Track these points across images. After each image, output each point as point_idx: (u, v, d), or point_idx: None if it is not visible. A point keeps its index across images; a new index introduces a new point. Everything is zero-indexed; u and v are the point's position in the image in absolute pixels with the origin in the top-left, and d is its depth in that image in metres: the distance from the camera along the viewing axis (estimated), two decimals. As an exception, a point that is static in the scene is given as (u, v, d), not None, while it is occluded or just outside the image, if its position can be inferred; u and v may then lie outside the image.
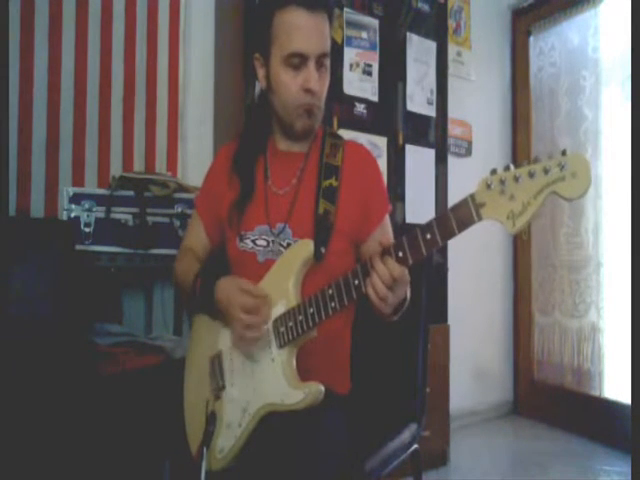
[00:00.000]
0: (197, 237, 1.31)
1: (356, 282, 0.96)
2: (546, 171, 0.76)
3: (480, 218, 0.81)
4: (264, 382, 1.05)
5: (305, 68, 1.11)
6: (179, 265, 1.27)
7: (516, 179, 0.78)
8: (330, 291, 0.99)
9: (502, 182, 0.79)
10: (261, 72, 1.19)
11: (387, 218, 1.24)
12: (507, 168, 0.79)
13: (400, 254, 0.90)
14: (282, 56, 1.11)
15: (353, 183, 1.20)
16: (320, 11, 1.11)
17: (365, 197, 1.21)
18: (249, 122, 1.29)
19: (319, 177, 1.19)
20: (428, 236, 0.86)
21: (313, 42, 1.10)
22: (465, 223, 0.83)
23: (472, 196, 0.82)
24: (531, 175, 0.77)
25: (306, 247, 1.07)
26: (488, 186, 0.80)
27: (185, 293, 1.21)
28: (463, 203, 0.83)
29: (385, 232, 1.22)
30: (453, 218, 0.83)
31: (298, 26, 1.09)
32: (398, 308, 1.05)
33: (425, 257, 0.88)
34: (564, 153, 0.75)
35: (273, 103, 1.18)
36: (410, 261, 0.90)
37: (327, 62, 1.14)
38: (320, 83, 1.13)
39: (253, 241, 1.19)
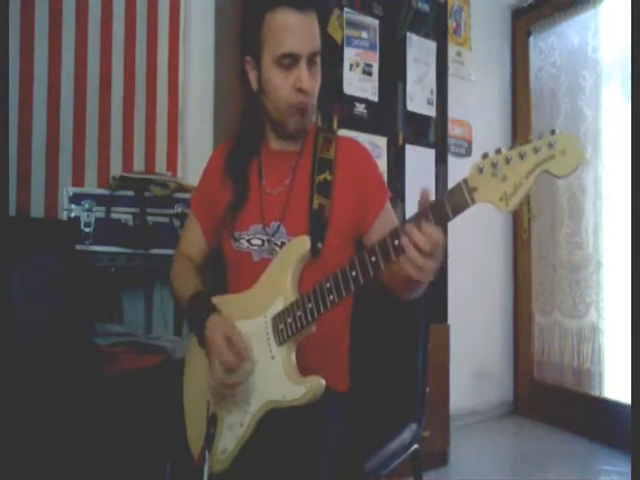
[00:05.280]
0: (193, 239, 1.30)
1: (354, 274, 0.95)
2: (536, 151, 0.77)
3: (474, 202, 0.82)
4: (265, 380, 1.05)
5: (296, 68, 1.11)
6: (175, 272, 1.26)
7: (507, 161, 0.79)
8: (328, 284, 0.98)
9: (494, 165, 0.80)
10: (252, 74, 1.19)
11: (388, 205, 1.23)
12: (498, 151, 0.80)
13: (396, 242, 0.90)
14: (274, 57, 1.11)
15: (347, 176, 1.20)
16: (309, 10, 1.11)
17: (361, 189, 1.20)
18: (242, 124, 1.29)
19: (313, 172, 1.19)
20: (424, 223, 0.86)
21: (304, 42, 1.10)
22: (459, 208, 0.83)
23: (465, 181, 0.83)
24: (522, 156, 0.78)
25: (302, 243, 1.08)
26: (480, 170, 0.81)
27: (181, 305, 1.20)
28: (456, 188, 0.84)
29: (388, 218, 1.20)
30: (447, 203, 0.84)
31: (288, 27, 1.10)
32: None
33: None
34: (553, 132, 0.76)
35: (265, 105, 1.18)
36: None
37: (318, 60, 1.15)
38: (312, 82, 1.13)
39: (248, 241, 1.19)
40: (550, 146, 0.76)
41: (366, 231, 1.20)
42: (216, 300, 1.15)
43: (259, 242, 1.18)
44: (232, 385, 1.03)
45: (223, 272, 1.28)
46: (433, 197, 0.88)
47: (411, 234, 0.86)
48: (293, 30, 1.09)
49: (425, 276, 0.89)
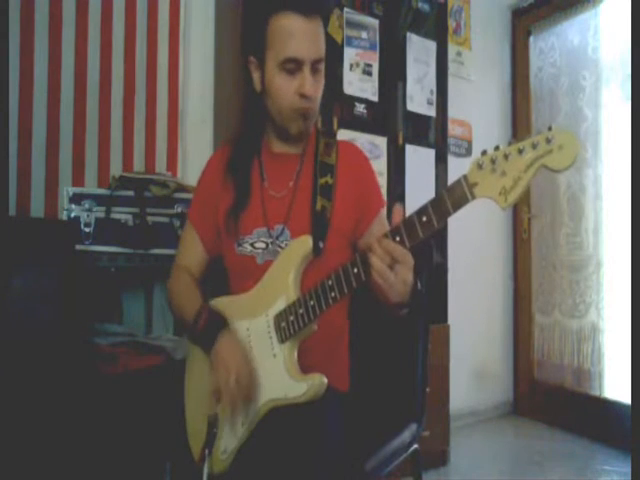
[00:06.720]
0: (193, 251, 1.28)
1: (355, 270, 0.96)
2: (534, 146, 0.79)
3: (473, 197, 0.84)
4: (266, 378, 1.05)
5: (300, 73, 1.12)
6: (175, 286, 1.24)
7: (506, 157, 0.81)
8: (330, 282, 0.99)
9: (493, 161, 0.82)
10: (256, 75, 1.19)
11: (383, 213, 1.26)
12: (497, 148, 0.83)
13: (397, 239, 0.91)
14: (277, 61, 1.12)
15: (348, 180, 1.22)
16: (315, 16, 1.12)
17: (360, 194, 1.23)
18: (244, 125, 1.29)
19: (315, 176, 1.20)
20: (424, 218, 0.88)
21: (308, 48, 1.11)
22: (459, 203, 0.85)
23: (465, 176, 0.85)
24: (520, 151, 0.80)
25: (305, 243, 1.08)
26: (480, 166, 0.83)
27: (182, 321, 1.19)
28: (456, 184, 0.86)
29: (381, 226, 1.22)
30: (448, 199, 0.86)
31: (293, 31, 1.10)
32: (406, 299, 0.99)
33: (422, 239, 0.90)
34: (550, 128, 0.79)
35: (268, 106, 1.18)
36: (407, 244, 0.91)
37: (322, 67, 1.15)
38: (315, 87, 1.14)
39: (252, 244, 1.19)
40: (548, 141, 0.78)
41: (361, 236, 1.22)
42: (218, 301, 1.15)
43: (263, 245, 1.18)
44: (243, 396, 1.03)
45: (223, 278, 1.27)
46: (404, 215, 0.92)
47: (372, 244, 0.92)
48: (298, 35, 1.10)
49: (389, 287, 0.93)
